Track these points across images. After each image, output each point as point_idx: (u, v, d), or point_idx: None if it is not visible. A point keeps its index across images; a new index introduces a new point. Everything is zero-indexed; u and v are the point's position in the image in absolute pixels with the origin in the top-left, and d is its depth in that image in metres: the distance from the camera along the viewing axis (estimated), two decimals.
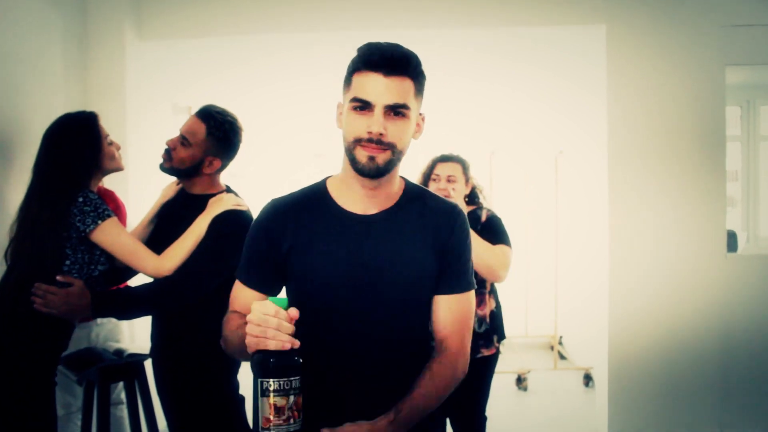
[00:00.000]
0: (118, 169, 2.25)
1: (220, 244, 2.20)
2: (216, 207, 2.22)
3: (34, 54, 3.27)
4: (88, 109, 3.65)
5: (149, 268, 2.12)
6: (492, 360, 2.77)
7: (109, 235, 2.05)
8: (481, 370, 2.72)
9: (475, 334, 2.65)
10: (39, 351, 2.04)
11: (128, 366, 2.62)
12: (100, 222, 2.02)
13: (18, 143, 3.20)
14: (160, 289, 2.21)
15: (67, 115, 2.21)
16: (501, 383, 5.04)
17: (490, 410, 4.37)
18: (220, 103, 2.39)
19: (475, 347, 2.64)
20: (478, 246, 2.54)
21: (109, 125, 3.58)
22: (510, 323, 5.89)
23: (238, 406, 2.39)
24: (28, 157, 3.20)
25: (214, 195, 2.32)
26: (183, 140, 2.26)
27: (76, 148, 2.10)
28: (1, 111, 3.01)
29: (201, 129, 2.25)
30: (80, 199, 2.02)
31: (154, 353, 2.45)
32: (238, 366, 2.40)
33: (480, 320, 2.70)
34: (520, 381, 4.97)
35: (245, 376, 2.41)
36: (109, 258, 2.17)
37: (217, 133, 2.25)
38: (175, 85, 4.65)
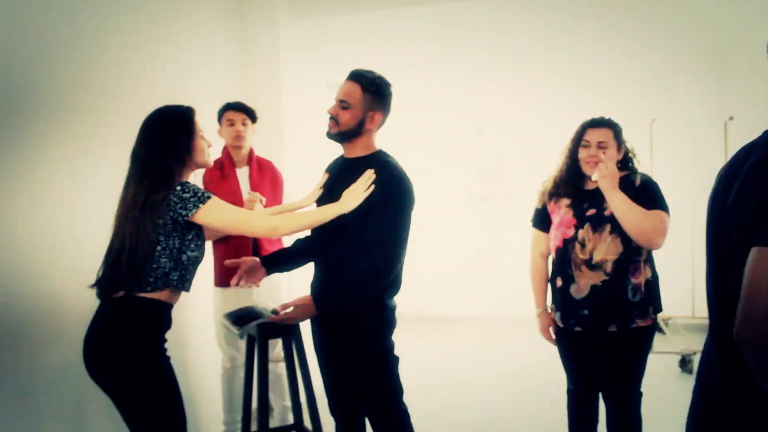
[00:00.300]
0: (207, 164, 2.31)
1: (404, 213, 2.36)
2: (350, 202, 2.30)
3: (198, 40, 3.55)
4: (246, 87, 3.91)
5: (264, 229, 2.21)
6: (648, 332, 2.61)
7: (212, 214, 2.11)
8: (636, 341, 2.59)
9: (628, 303, 2.53)
10: (146, 330, 2.12)
11: (285, 324, 2.75)
12: (201, 205, 2.09)
13: None
14: (369, 278, 2.31)
15: (166, 108, 2.24)
16: (663, 364, 4.77)
17: (650, 391, 4.14)
18: None
19: (629, 317, 2.55)
20: (630, 211, 2.44)
21: (265, 102, 3.83)
22: (675, 302, 5.57)
23: (394, 365, 2.45)
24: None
25: (371, 156, 2.43)
26: (342, 104, 2.39)
27: (172, 141, 2.16)
28: (171, 95, 3.30)
29: (356, 89, 2.37)
30: (178, 188, 2.08)
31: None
32: (394, 325, 2.47)
33: (634, 289, 2.55)
34: (684, 363, 4.66)
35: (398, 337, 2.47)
36: (199, 246, 2.24)
37: (371, 88, 2.37)
38: (327, 62, 4.83)
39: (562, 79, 6.11)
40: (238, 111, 3.30)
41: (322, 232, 2.45)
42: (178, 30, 3.38)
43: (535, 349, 5.09)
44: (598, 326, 2.58)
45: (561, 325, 2.70)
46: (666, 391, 4.30)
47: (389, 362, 2.43)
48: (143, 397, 2.07)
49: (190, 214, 2.07)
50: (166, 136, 2.15)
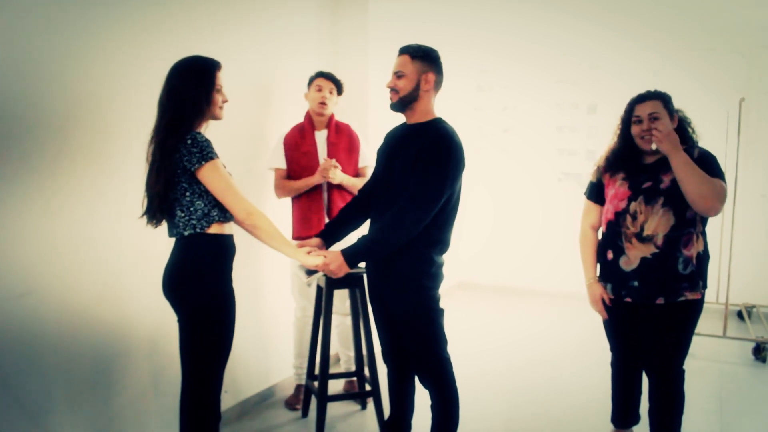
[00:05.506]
0: (219, 118, 2.40)
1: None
2: (309, 260, 2.52)
3: (291, 12, 3.84)
4: (336, 56, 4.12)
5: (241, 210, 2.28)
6: (696, 306, 2.61)
7: (210, 176, 2.22)
8: (683, 315, 2.60)
9: (678, 276, 2.56)
10: (210, 262, 2.28)
11: (349, 276, 2.97)
12: (204, 162, 2.21)
13: (277, 83, 3.74)
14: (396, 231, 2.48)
15: (193, 58, 2.33)
16: (736, 351, 4.69)
17: (721, 379, 4.12)
18: None
19: (678, 289, 2.56)
20: (693, 172, 2.42)
21: (354, 71, 4.04)
22: (761, 291, 5.40)
23: (439, 316, 2.63)
24: (284, 96, 3.72)
25: (429, 122, 2.58)
26: (398, 74, 2.60)
27: (192, 90, 2.25)
28: (266, 62, 3.57)
29: (406, 59, 2.59)
30: (189, 141, 2.19)
31: (369, 268, 2.76)
32: (441, 280, 2.64)
33: (685, 261, 2.56)
34: (758, 351, 4.55)
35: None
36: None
37: (418, 54, 2.58)
38: (412, 36, 4.99)
39: (659, 57, 5.95)
40: (328, 80, 3.50)
41: (376, 191, 2.68)
42: (273, 2, 3.65)
43: (584, 322, 5.09)
44: (647, 298, 2.61)
45: (612, 297, 2.75)
46: (738, 376, 4.24)
47: (435, 313, 2.60)
48: (196, 323, 2.27)
49: (194, 168, 2.21)
50: (187, 84, 2.25)
